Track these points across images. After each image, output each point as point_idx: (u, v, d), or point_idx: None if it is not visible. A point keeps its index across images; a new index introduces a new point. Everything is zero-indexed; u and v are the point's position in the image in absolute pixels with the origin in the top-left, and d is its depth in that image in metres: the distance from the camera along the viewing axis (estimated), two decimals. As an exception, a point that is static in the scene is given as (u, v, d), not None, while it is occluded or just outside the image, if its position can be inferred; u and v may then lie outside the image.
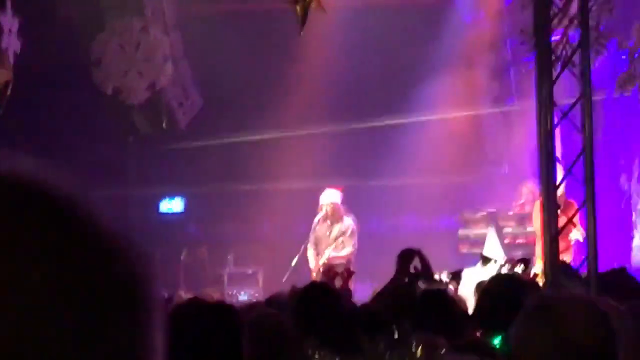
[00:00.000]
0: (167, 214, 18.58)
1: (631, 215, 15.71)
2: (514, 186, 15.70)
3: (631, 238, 15.61)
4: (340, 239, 13.65)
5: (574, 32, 8.78)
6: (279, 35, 15.34)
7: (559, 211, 8.23)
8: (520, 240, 14.74)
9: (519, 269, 9.30)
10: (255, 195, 17.14)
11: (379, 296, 6.86)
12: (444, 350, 4.76)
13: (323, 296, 5.40)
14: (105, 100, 16.51)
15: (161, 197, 18.51)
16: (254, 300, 12.79)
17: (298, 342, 4.79)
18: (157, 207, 18.52)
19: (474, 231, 15.32)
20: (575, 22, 8.49)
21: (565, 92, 9.35)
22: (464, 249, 15.17)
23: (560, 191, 8.54)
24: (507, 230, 14.86)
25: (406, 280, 7.13)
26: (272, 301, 6.69)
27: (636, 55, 14.02)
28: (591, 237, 7.79)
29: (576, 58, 8.21)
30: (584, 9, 8.18)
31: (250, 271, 16.72)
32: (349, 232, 13.67)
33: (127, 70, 16.37)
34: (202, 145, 17.24)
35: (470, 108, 16.79)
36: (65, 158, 11.87)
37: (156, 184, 17.77)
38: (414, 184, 16.83)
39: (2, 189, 0.85)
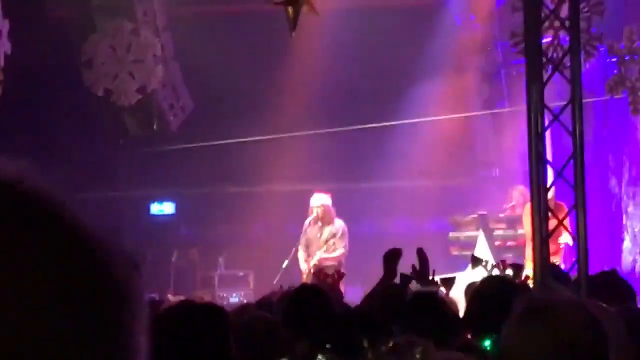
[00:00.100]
0: (158, 216, 18.56)
1: (621, 217, 15.75)
2: (504, 189, 15.73)
3: (621, 240, 15.64)
4: (331, 241, 13.66)
5: (564, 35, 8.80)
6: (270, 38, 15.34)
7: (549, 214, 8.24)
8: (510, 243, 14.76)
9: (509, 272, 9.30)
10: (247, 197, 17.13)
11: (368, 298, 6.85)
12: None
13: (314, 297, 5.40)
14: (96, 102, 16.49)
15: (152, 199, 18.49)
16: (245, 302, 12.78)
17: (290, 344, 4.79)
18: (148, 209, 18.50)
19: (465, 233, 15.34)
20: (566, 24, 8.50)
21: (555, 94, 9.37)
22: (455, 252, 15.18)
23: (549, 194, 8.54)
24: (498, 232, 14.87)
25: (397, 281, 7.12)
26: (263, 303, 6.69)
27: (626, 58, 14.06)
28: (582, 240, 7.79)
29: (567, 61, 8.21)
30: (574, 12, 8.19)
31: (241, 273, 16.71)
32: (339, 234, 13.69)
33: (118, 72, 16.35)
34: (193, 147, 17.22)
35: (461, 110, 16.80)
36: (56, 160, 11.86)
37: (147, 186, 17.76)
38: (405, 186, 16.85)
39: None
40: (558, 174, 8.19)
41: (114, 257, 0.89)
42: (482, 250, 13.43)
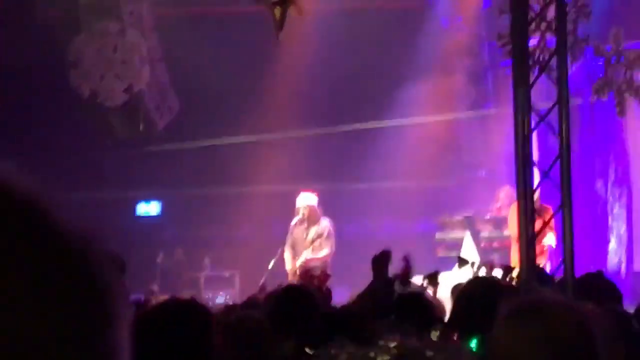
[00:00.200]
0: (143, 217, 18.53)
1: (607, 219, 15.79)
2: (491, 190, 15.76)
3: (607, 242, 15.68)
4: (318, 241, 13.65)
5: (551, 37, 8.82)
6: (256, 39, 15.32)
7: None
8: (496, 244, 14.79)
9: (496, 273, 9.33)
10: (233, 198, 17.12)
11: (359, 298, 6.87)
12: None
13: (301, 297, 5.40)
14: (82, 103, 16.45)
15: (138, 200, 18.46)
16: (231, 303, 12.77)
17: (277, 344, 4.79)
18: (134, 210, 18.47)
19: (451, 234, 15.36)
20: (553, 27, 8.52)
21: (542, 96, 9.38)
22: (441, 252, 15.20)
23: (535, 196, 8.56)
24: (484, 234, 14.90)
25: (383, 282, 7.14)
26: (250, 303, 6.69)
27: (613, 60, 14.10)
28: (567, 241, 7.81)
29: (553, 63, 8.23)
30: (561, 14, 8.21)
31: (227, 274, 16.69)
32: (325, 234, 13.68)
33: (104, 73, 16.32)
34: (179, 148, 17.21)
35: (448, 112, 16.83)
36: (41, 160, 11.83)
37: (133, 187, 17.72)
38: (392, 187, 16.86)
39: None
40: (544, 175, 8.21)
41: (98, 258, 0.89)
42: (469, 251, 13.45)
